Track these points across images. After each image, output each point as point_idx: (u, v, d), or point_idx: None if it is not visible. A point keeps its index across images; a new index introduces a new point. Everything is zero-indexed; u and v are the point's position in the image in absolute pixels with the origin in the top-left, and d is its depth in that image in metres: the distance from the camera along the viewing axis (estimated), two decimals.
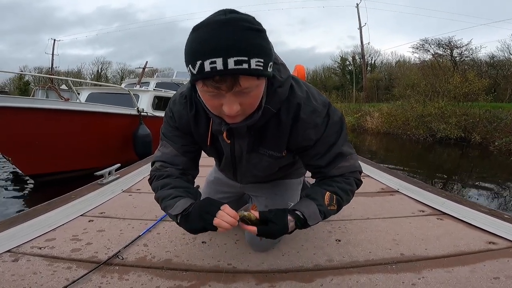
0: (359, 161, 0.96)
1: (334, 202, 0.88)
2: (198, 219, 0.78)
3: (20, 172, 4.50)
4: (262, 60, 0.65)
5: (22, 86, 25.70)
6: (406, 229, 1.33)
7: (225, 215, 0.77)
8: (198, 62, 0.64)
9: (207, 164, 1.32)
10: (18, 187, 4.55)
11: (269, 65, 0.69)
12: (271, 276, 0.98)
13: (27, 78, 26.26)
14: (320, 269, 1.02)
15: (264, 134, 0.89)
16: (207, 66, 0.63)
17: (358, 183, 0.95)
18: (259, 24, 0.67)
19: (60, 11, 54.61)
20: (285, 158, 0.96)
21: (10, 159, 4.23)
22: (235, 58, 0.62)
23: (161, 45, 47.06)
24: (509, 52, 19.70)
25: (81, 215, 1.47)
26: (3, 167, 5.60)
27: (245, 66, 0.63)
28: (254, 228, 0.81)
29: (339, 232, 1.30)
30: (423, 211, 1.56)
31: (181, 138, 0.96)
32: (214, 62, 0.62)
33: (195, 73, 0.66)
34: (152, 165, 1.01)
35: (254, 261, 1.07)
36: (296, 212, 0.85)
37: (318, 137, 0.87)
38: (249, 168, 0.99)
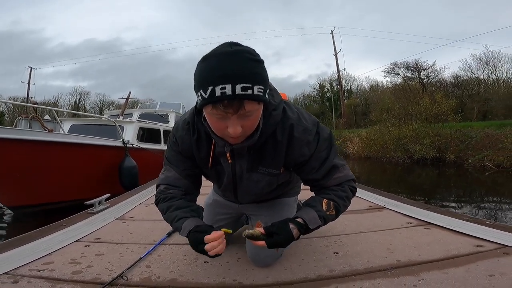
0: None
1: (332, 208, 0.96)
2: (195, 248, 0.89)
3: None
4: (262, 87, 0.77)
5: None
6: (398, 239, 1.39)
7: (212, 244, 0.85)
8: (210, 88, 0.73)
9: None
10: None
11: (267, 91, 0.81)
12: None
13: (1, 109, 25.42)
14: (323, 278, 1.05)
15: (263, 154, 0.98)
16: (218, 91, 0.73)
17: (353, 190, 1.05)
18: (259, 55, 0.79)
19: (50, 43, 54.41)
20: (282, 175, 1.05)
21: None
22: (242, 85, 0.73)
23: (142, 77, 47.31)
24: (471, 72, 20.92)
25: (76, 241, 1.44)
26: None
27: (250, 92, 0.74)
28: (263, 243, 0.89)
29: (335, 246, 1.35)
30: (410, 223, 1.64)
31: (183, 162, 1.04)
32: (224, 88, 0.72)
33: (206, 97, 0.75)
34: (157, 187, 1.08)
35: (258, 276, 1.08)
36: (297, 219, 0.93)
37: (311, 152, 0.97)
38: (249, 186, 1.06)
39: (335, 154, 1.01)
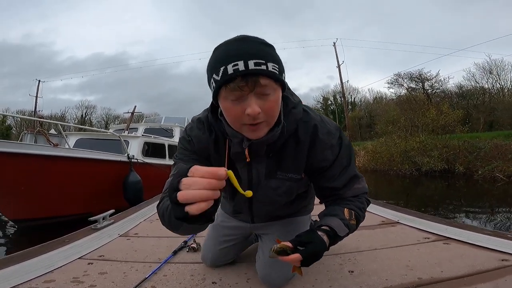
0: None
1: (353, 217, 0.89)
2: (170, 198, 0.59)
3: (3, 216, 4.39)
4: (277, 66, 0.73)
5: (3, 130, 25.15)
6: (416, 255, 1.32)
7: (193, 181, 0.55)
8: (222, 68, 0.70)
9: None
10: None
11: (283, 74, 0.76)
12: None
13: (9, 122, 25.85)
14: None
15: (282, 156, 0.91)
16: (230, 69, 0.69)
17: (369, 203, 0.99)
18: (269, 43, 0.77)
19: (59, 56, 55.74)
20: (302, 182, 0.98)
21: None
22: (255, 61, 0.69)
23: (147, 91, 48.08)
24: (475, 81, 20.79)
25: (79, 258, 1.39)
26: None
27: (264, 67, 0.70)
28: (297, 255, 0.74)
29: (350, 264, 1.27)
30: (428, 238, 1.56)
31: (198, 161, 0.91)
32: (236, 65, 0.69)
33: (218, 79, 0.71)
34: (163, 192, 0.94)
35: None
36: (323, 227, 0.83)
37: (334, 157, 0.92)
38: (267, 193, 0.97)
39: (354, 163, 0.96)
